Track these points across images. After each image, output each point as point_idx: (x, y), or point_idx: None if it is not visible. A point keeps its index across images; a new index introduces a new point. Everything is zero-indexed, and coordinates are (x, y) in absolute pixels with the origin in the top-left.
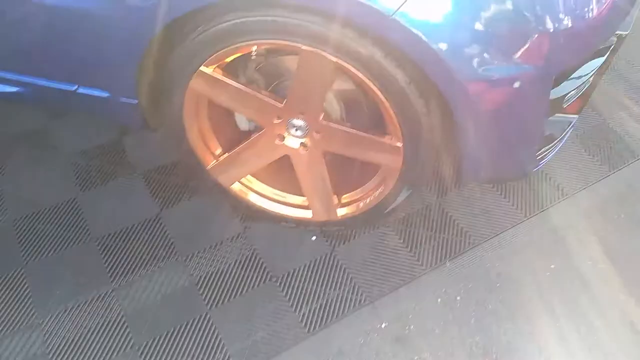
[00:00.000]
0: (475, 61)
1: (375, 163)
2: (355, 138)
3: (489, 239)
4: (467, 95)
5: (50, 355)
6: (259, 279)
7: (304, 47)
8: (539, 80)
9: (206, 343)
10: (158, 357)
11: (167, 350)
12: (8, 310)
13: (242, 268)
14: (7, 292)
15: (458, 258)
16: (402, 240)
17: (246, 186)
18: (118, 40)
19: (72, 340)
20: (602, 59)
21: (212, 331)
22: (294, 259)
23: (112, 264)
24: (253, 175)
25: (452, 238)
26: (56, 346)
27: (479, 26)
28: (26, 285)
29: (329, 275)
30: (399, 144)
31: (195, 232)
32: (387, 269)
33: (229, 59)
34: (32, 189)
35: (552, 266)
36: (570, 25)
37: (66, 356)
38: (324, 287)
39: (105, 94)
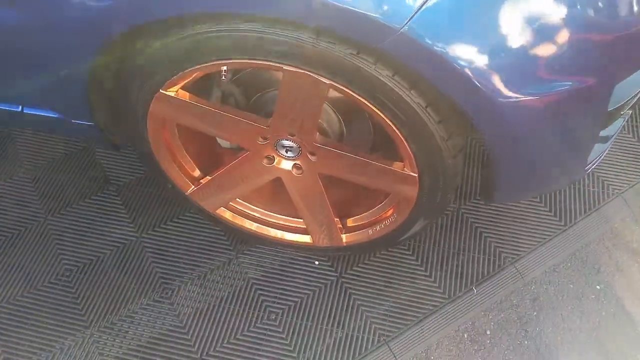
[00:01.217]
0: (515, 79)
1: (386, 192)
2: (358, 163)
3: (523, 256)
4: (502, 117)
5: None
6: (254, 316)
7: (287, 68)
8: (596, 94)
9: None
10: None
11: None
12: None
13: (236, 302)
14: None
15: (486, 282)
16: (419, 262)
17: (236, 209)
18: (58, 54)
19: None
20: None
21: None
22: (295, 289)
23: None
24: (242, 198)
25: (478, 256)
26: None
27: (521, 35)
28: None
29: (336, 308)
30: (414, 174)
31: (180, 259)
32: (402, 299)
33: (194, 78)
34: None
35: (598, 287)
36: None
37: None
38: (330, 325)
39: (55, 115)
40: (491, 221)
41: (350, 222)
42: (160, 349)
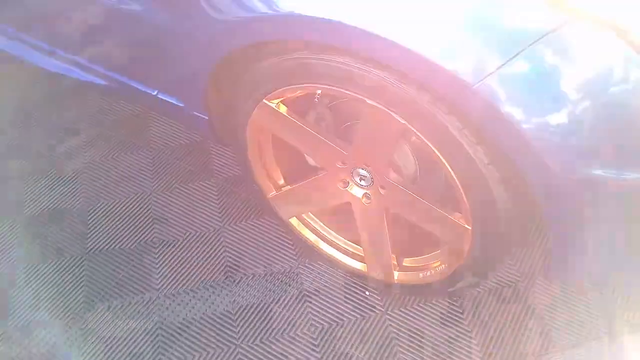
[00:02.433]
0: (582, 160)
1: (440, 238)
2: (420, 206)
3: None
4: (565, 193)
5: None
6: (297, 324)
7: (369, 102)
8: None
9: None
10: None
11: None
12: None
13: (285, 307)
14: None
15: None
16: (466, 323)
17: (305, 222)
18: (188, 56)
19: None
20: None
21: None
22: (341, 311)
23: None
24: (314, 214)
25: (528, 334)
26: None
27: (589, 117)
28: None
29: (372, 342)
30: (468, 227)
31: (249, 255)
32: (439, 355)
33: (295, 95)
34: (111, 178)
35: None
36: None
37: None
38: (360, 352)
39: (180, 104)
40: (552, 303)
41: (406, 262)
42: (208, 327)
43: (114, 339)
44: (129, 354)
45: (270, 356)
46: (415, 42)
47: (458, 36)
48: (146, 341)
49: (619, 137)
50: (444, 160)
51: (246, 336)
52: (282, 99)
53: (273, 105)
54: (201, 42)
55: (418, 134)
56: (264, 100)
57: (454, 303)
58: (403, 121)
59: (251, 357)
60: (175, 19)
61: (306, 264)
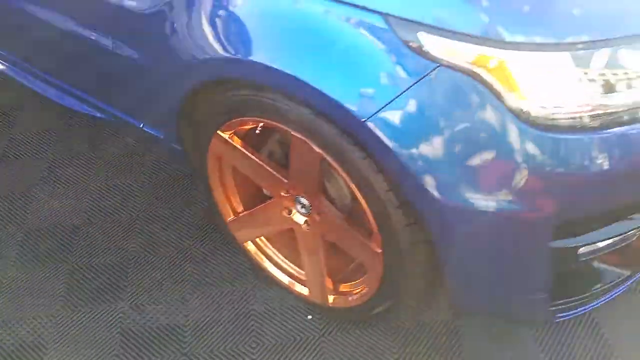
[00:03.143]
0: (449, 186)
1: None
2: (345, 231)
3: None
4: (441, 217)
5: None
6: (241, 339)
7: (293, 133)
8: (529, 224)
9: None
10: None
11: None
12: None
13: (231, 323)
14: None
15: None
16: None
17: (259, 247)
18: (153, 90)
19: None
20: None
21: None
22: (277, 333)
23: None
24: (267, 239)
25: None
26: None
27: (459, 150)
28: None
29: None
30: (379, 250)
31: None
32: None
33: (243, 127)
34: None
35: None
36: (567, 171)
37: None
38: None
39: (161, 136)
40: None
41: (342, 287)
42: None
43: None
44: None
45: None
46: (324, 84)
47: (355, 81)
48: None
49: (477, 170)
50: (354, 187)
51: (193, 346)
52: (233, 130)
53: (226, 137)
54: (169, 78)
55: (331, 162)
56: (218, 132)
57: (387, 337)
58: (319, 150)
59: None
60: (150, 58)
61: (260, 288)
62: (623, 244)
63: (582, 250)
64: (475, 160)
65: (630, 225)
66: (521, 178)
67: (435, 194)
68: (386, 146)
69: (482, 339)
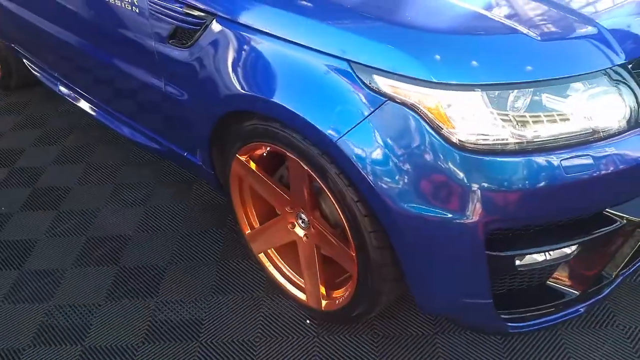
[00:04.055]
0: (398, 196)
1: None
2: (333, 241)
3: None
4: (394, 223)
5: None
6: (247, 335)
7: (288, 154)
8: (462, 230)
9: None
10: None
11: None
12: None
13: (240, 321)
14: None
15: None
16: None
17: (271, 259)
18: (191, 121)
19: None
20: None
21: None
22: (278, 332)
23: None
24: (276, 250)
25: None
26: None
27: (404, 167)
28: None
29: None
30: (353, 254)
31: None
32: None
33: (257, 152)
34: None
35: None
36: (489, 187)
37: None
38: None
39: (198, 162)
40: None
41: (334, 294)
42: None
43: None
44: None
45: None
46: (308, 114)
47: (329, 111)
48: None
49: (419, 183)
50: (331, 198)
51: (205, 334)
52: (249, 154)
53: (243, 159)
54: (203, 111)
55: (315, 177)
56: (237, 155)
57: (373, 337)
58: (307, 167)
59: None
60: (189, 95)
61: (270, 295)
62: (562, 262)
63: (518, 261)
64: (417, 175)
65: (562, 241)
66: (451, 191)
67: (389, 202)
68: (352, 163)
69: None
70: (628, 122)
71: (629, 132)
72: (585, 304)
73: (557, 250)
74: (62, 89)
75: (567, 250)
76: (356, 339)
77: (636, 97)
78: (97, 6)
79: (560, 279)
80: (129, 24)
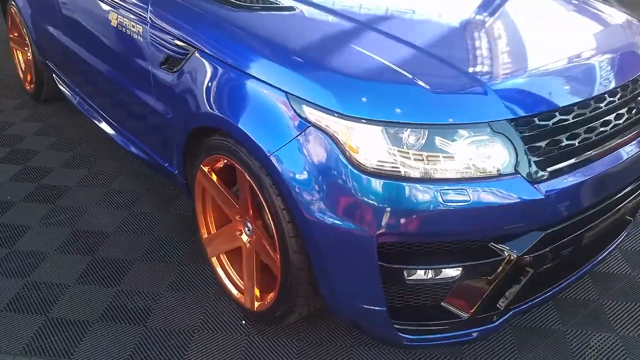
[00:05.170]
0: (311, 206)
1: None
2: (267, 248)
3: None
4: (307, 229)
5: None
6: (181, 330)
7: (237, 165)
8: (358, 240)
9: None
10: None
11: None
12: None
13: (180, 318)
14: None
15: None
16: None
17: (220, 261)
18: (171, 134)
19: None
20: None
21: None
22: (215, 327)
23: None
24: (227, 255)
25: None
26: None
27: (318, 181)
28: None
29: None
30: (277, 257)
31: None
32: None
33: (217, 164)
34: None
35: None
36: (383, 205)
37: None
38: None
39: (175, 171)
40: None
41: (267, 297)
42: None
43: None
44: None
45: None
46: (252, 131)
47: (267, 130)
48: None
49: (328, 196)
50: (265, 206)
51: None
52: (210, 166)
53: (206, 170)
54: (180, 125)
55: (254, 187)
56: (201, 166)
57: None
58: (249, 178)
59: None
60: (171, 110)
61: (217, 296)
62: (450, 283)
63: (407, 274)
64: (327, 190)
65: (446, 263)
66: (353, 205)
67: (304, 212)
68: (280, 175)
69: None
70: (505, 168)
71: (504, 177)
72: (478, 329)
73: (443, 272)
74: (80, 101)
75: (452, 273)
76: (282, 341)
77: (515, 148)
78: (114, 34)
79: (453, 302)
80: (135, 50)
